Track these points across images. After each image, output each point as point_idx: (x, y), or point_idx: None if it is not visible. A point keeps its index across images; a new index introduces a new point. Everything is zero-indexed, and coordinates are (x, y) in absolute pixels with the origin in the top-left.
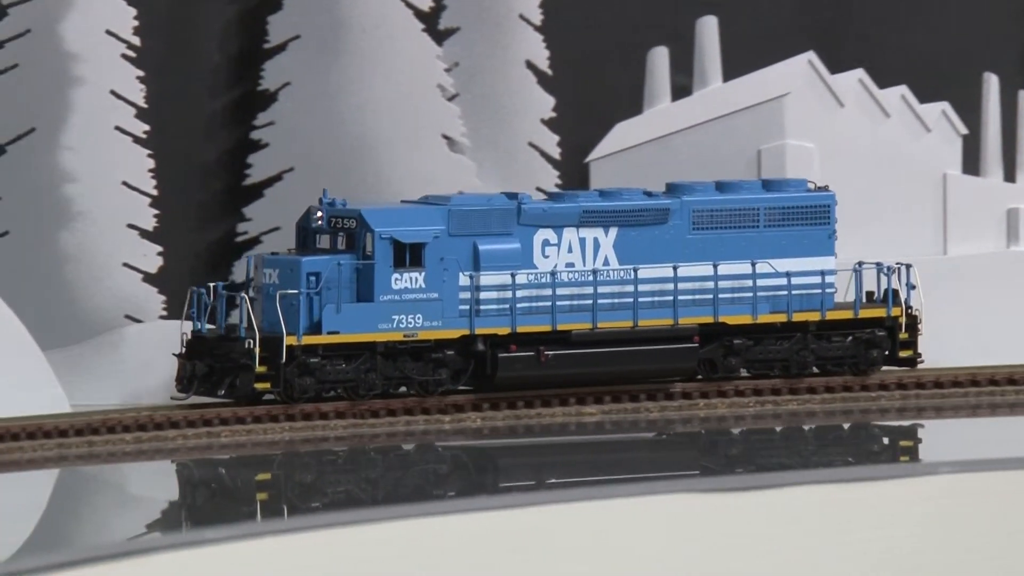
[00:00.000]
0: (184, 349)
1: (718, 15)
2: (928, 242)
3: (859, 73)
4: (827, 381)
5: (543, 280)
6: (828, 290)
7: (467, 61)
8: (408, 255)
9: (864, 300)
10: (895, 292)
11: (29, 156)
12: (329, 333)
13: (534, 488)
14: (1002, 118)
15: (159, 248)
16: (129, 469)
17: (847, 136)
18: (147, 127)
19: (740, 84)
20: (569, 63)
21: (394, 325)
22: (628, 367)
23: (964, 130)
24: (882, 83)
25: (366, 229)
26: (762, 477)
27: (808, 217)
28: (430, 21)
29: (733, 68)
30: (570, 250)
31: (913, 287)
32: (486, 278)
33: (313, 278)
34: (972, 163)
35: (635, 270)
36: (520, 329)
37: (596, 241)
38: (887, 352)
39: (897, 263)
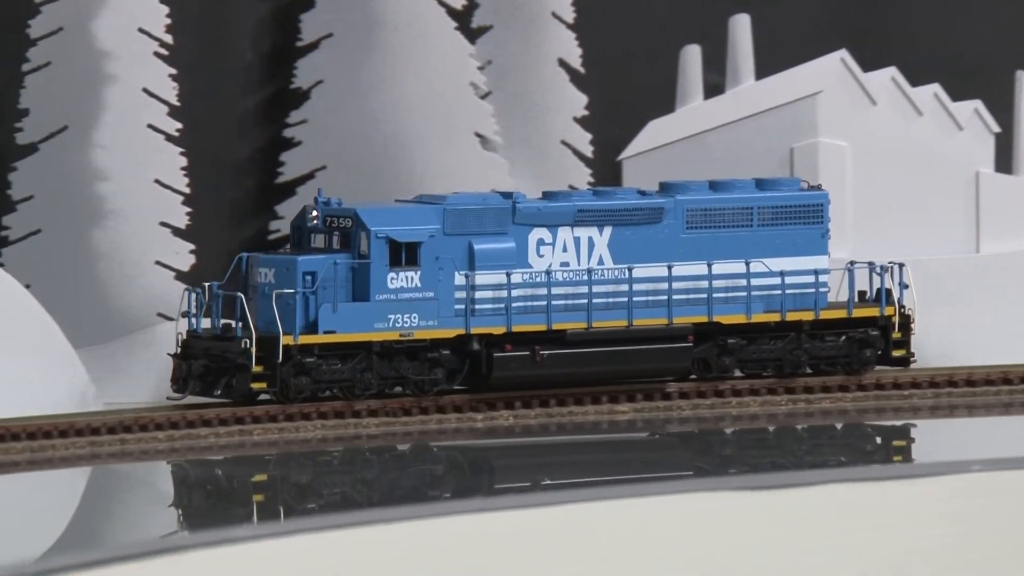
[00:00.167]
0: (179, 349)
1: (751, 13)
2: (961, 240)
3: (892, 71)
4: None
5: (538, 279)
6: (821, 289)
7: (500, 59)
8: (404, 254)
9: (856, 300)
10: (888, 291)
11: (62, 154)
12: (325, 333)
13: (529, 489)
14: None
15: (192, 246)
16: (162, 467)
17: (880, 134)
18: (180, 125)
19: (773, 82)
20: (602, 61)
21: (390, 324)
22: (623, 367)
23: (997, 128)
24: (915, 81)
25: (362, 228)
26: (761, 477)
27: (801, 216)
28: (463, 19)
29: (766, 66)
30: (565, 249)
31: (906, 286)
32: (481, 277)
33: (309, 277)
34: (1005, 161)
35: (630, 269)
36: (515, 328)
37: (591, 240)
38: (880, 351)
39: (890, 262)
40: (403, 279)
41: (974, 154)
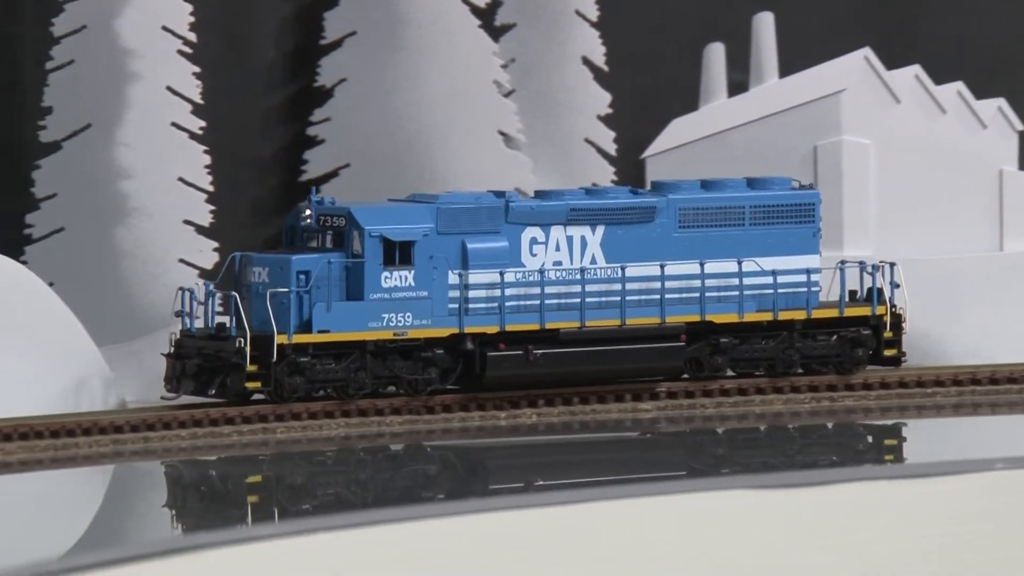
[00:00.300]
0: (172, 348)
1: (774, 11)
2: (984, 238)
3: (915, 69)
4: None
5: (531, 278)
6: (813, 289)
7: (523, 57)
8: (398, 253)
9: (847, 299)
10: (879, 291)
11: (85, 152)
12: (319, 332)
13: (523, 490)
14: None
15: (215, 244)
16: (184, 466)
17: (903, 132)
18: (203, 123)
19: (796, 80)
20: (625, 59)
21: (384, 324)
22: (616, 366)
23: (1020, 126)
24: (938, 79)
25: (356, 227)
26: (758, 477)
27: (793, 215)
28: (486, 17)
29: (789, 64)
30: (558, 248)
31: (897, 285)
32: (475, 276)
33: (303, 276)
34: None
35: (622, 268)
36: (509, 328)
37: (583, 239)
38: (871, 351)
39: (881, 261)
40: (397, 278)
41: (998, 152)
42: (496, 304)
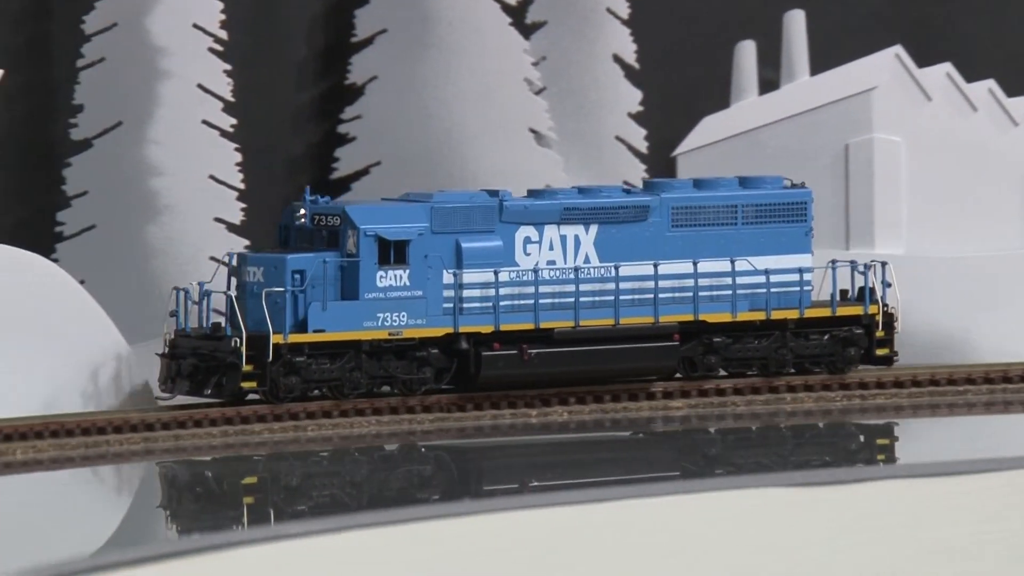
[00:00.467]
0: (167, 348)
1: (806, 9)
2: (1015, 236)
3: (946, 67)
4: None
5: (525, 278)
6: (806, 288)
7: (554, 55)
8: (392, 252)
9: (838, 298)
10: (871, 289)
11: (116, 150)
12: (315, 331)
13: (518, 491)
14: None
15: (246, 242)
16: (215, 464)
17: (934, 130)
18: (234, 121)
19: (827, 78)
20: (656, 57)
21: (379, 323)
22: (610, 365)
23: None
24: (969, 77)
25: (351, 226)
26: (759, 478)
27: (785, 214)
28: (517, 15)
29: (820, 62)
30: (551, 248)
31: (889, 285)
32: (469, 276)
33: (298, 276)
34: None
35: (616, 268)
36: (503, 327)
37: (577, 239)
38: (864, 350)
39: (873, 260)
40: (392, 277)
41: None
42: (490, 303)
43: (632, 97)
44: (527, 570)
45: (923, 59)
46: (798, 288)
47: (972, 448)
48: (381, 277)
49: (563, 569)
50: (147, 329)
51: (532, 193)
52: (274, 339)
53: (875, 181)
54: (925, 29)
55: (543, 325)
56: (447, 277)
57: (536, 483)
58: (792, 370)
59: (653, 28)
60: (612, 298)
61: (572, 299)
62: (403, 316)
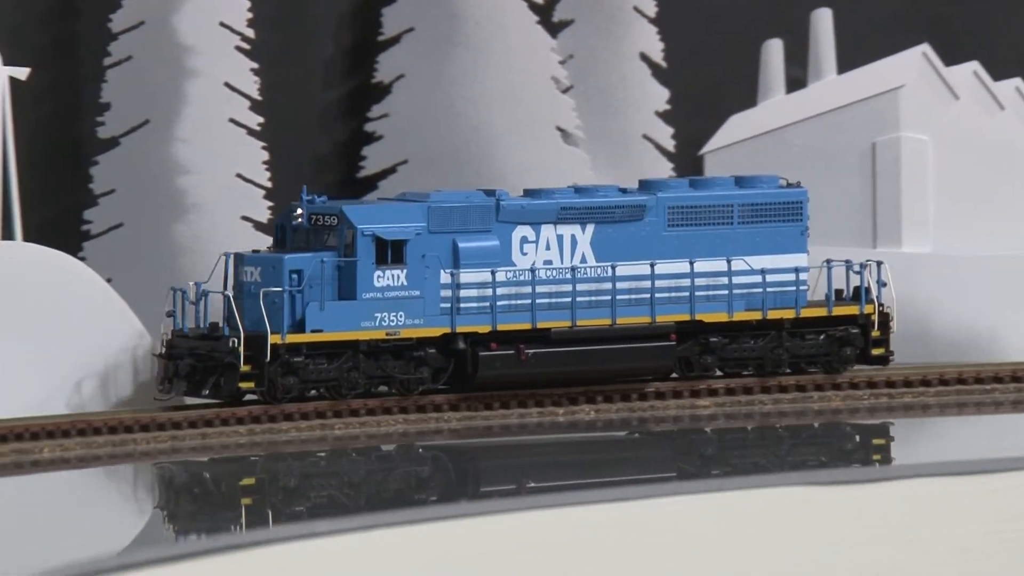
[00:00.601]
0: (164, 348)
1: (833, 7)
2: None
3: (974, 65)
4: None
5: (522, 278)
6: (801, 288)
7: (581, 53)
8: (390, 252)
9: (833, 298)
10: (867, 289)
11: (143, 148)
12: (313, 331)
13: (515, 492)
14: None
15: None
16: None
17: (961, 128)
18: (261, 119)
19: (854, 76)
20: (683, 55)
21: (377, 323)
22: (607, 365)
23: None
24: (996, 75)
25: (348, 226)
26: (759, 478)
27: (781, 214)
28: (544, 13)
29: (848, 60)
30: (548, 247)
31: (884, 284)
32: (466, 275)
33: (295, 276)
34: None
35: (612, 267)
36: (500, 327)
37: (573, 238)
38: (860, 350)
39: (868, 260)
40: (390, 277)
41: None
42: (488, 303)
43: (659, 95)
44: (527, 570)
45: (950, 57)
46: (794, 288)
47: (998, 447)
48: (379, 277)
49: (562, 569)
50: None
51: (528, 193)
52: (272, 339)
53: (902, 180)
54: (952, 27)
55: (540, 325)
56: (444, 277)
57: (533, 484)
58: (788, 370)
59: (680, 26)
60: (609, 298)
61: (569, 299)
62: (400, 316)
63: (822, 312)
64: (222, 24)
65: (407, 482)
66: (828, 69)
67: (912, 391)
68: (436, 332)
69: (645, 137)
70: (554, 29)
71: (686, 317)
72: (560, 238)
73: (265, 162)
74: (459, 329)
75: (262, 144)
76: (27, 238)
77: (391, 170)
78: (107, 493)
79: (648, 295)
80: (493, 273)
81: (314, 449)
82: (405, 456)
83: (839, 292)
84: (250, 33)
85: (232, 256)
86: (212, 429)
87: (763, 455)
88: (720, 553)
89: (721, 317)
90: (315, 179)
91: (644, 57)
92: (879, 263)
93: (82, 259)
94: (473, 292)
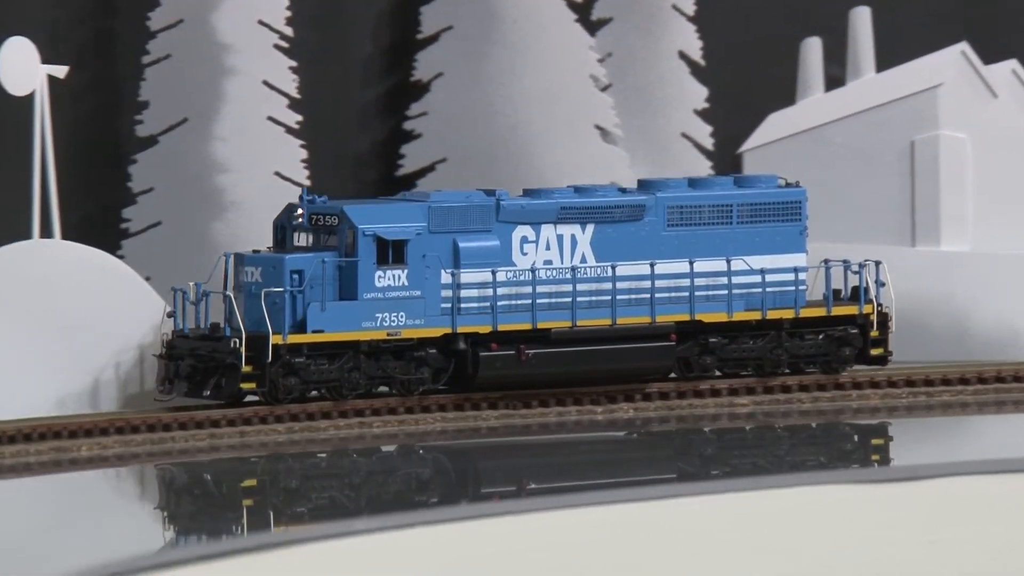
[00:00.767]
0: (165, 349)
1: (872, 5)
2: None
3: (1012, 63)
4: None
5: (523, 278)
6: (800, 287)
7: (620, 52)
8: (391, 252)
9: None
10: (866, 289)
11: (182, 146)
12: (314, 332)
13: (515, 494)
14: None
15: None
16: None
17: (1000, 126)
18: (300, 117)
19: (893, 75)
20: (722, 54)
21: (377, 323)
22: (607, 366)
23: None
24: None
25: (349, 226)
26: (764, 479)
27: (780, 214)
28: (583, 12)
29: (886, 59)
30: (548, 247)
31: (883, 284)
32: (467, 276)
33: (296, 276)
34: None
35: (612, 267)
36: (501, 327)
37: (573, 238)
38: (858, 350)
39: (867, 259)
40: (390, 277)
41: None
42: (488, 303)
43: (698, 94)
44: (527, 570)
45: (989, 56)
46: (793, 288)
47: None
48: (379, 277)
49: (562, 570)
50: None
51: (528, 192)
52: (273, 340)
53: (941, 178)
54: (990, 25)
55: (540, 325)
56: (445, 277)
57: (534, 485)
58: (787, 370)
59: (719, 25)
60: (609, 298)
61: (569, 299)
62: (401, 316)
63: (821, 312)
64: (261, 22)
65: (408, 483)
66: (867, 67)
67: (951, 389)
68: (437, 332)
69: (684, 135)
70: (592, 27)
71: (686, 317)
72: (560, 238)
73: (304, 160)
74: (460, 329)
75: (301, 142)
76: (66, 236)
77: (430, 168)
78: (146, 490)
79: (648, 295)
80: (493, 273)
81: (315, 450)
82: (406, 457)
83: (837, 292)
84: (289, 31)
85: (232, 256)
86: (250, 427)
87: (812, 453)
88: (720, 553)
89: (721, 317)
90: (354, 177)
91: (683, 55)
92: (878, 263)
93: (121, 257)
94: (474, 292)
